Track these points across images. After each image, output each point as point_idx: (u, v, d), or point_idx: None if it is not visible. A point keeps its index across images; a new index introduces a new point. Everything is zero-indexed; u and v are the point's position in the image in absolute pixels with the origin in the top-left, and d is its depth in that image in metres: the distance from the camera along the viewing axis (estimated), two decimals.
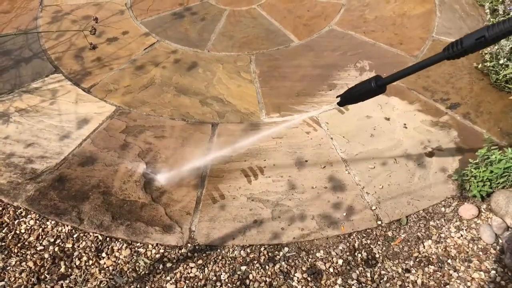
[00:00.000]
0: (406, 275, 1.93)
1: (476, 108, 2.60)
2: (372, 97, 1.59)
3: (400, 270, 1.94)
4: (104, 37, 3.21)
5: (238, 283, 1.89)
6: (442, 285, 1.89)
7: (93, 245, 2.01)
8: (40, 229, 2.07)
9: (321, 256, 1.99)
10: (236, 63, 3.00)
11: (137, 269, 1.93)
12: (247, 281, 1.90)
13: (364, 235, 2.07)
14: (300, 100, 2.70)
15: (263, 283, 1.89)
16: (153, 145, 2.42)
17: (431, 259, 1.97)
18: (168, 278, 1.90)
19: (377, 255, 2.00)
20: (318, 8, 3.53)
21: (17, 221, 2.11)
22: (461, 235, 2.05)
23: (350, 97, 1.66)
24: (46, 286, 1.87)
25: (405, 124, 2.52)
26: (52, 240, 2.03)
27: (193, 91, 2.78)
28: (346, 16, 3.41)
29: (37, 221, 2.10)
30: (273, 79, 2.86)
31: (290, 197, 2.19)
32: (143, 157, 2.36)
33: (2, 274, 1.91)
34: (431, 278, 1.91)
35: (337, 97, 1.71)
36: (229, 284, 1.88)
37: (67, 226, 2.08)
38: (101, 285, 1.88)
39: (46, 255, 1.97)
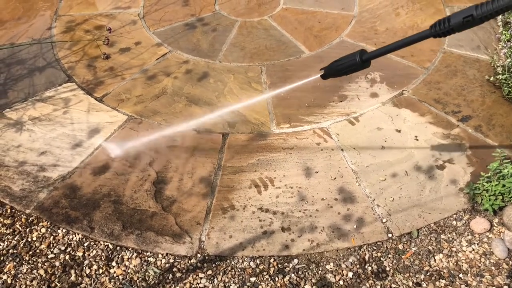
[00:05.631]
0: None
1: (488, 121, 2.58)
2: (355, 72, 1.55)
3: (410, 284, 1.92)
4: (116, 47, 3.25)
5: None
6: None
7: (103, 253, 2.02)
8: (51, 237, 2.09)
9: (331, 268, 1.98)
10: (247, 74, 3.02)
11: (147, 278, 1.94)
12: None
13: (375, 247, 2.06)
14: (311, 111, 2.70)
15: None
16: (164, 155, 2.43)
17: (442, 273, 1.96)
18: None
19: (387, 268, 1.98)
20: (329, 19, 3.54)
21: (28, 228, 2.12)
22: (473, 249, 2.03)
23: (334, 71, 1.61)
24: None
25: (416, 136, 2.52)
26: (63, 248, 2.05)
27: (204, 101, 2.79)
28: (357, 27, 3.42)
29: (49, 229, 2.12)
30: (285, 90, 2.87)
31: (300, 209, 2.18)
32: (154, 166, 2.37)
33: (13, 282, 1.92)
34: None
35: (320, 69, 1.66)
36: None
37: (78, 234, 2.09)
38: None
39: (57, 263, 1.99)
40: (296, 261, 2.00)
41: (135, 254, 2.02)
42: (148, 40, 3.34)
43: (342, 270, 1.97)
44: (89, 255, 2.02)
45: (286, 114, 2.69)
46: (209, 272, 1.96)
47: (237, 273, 1.96)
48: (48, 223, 2.14)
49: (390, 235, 2.09)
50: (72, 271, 1.96)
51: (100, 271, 1.97)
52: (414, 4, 3.61)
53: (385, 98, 2.77)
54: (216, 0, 3.77)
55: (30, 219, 2.16)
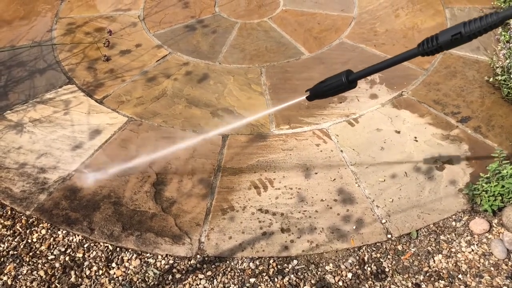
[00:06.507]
0: None
1: (487, 121, 2.59)
2: (342, 92, 1.52)
3: (410, 284, 1.92)
4: (117, 49, 3.26)
5: None
6: None
7: (103, 255, 2.03)
8: (52, 238, 2.10)
9: (330, 269, 1.98)
10: (247, 75, 3.02)
11: (147, 279, 1.94)
12: None
13: (374, 248, 2.06)
14: (310, 112, 2.71)
15: None
16: (163, 156, 2.44)
17: (441, 274, 1.96)
18: None
19: (386, 269, 1.98)
20: (328, 21, 3.55)
21: (29, 230, 2.13)
22: (472, 250, 2.04)
23: (320, 92, 1.58)
24: None
25: (415, 137, 2.52)
26: (63, 249, 2.05)
27: (204, 103, 2.80)
28: (357, 29, 3.43)
29: (49, 230, 2.12)
30: (283, 91, 2.88)
31: (299, 210, 2.19)
32: (153, 167, 2.38)
33: (13, 283, 1.93)
34: None
35: (306, 91, 1.62)
36: None
37: (78, 235, 2.10)
38: None
39: (57, 265, 1.99)
40: (295, 262, 2.01)
41: (135, 255, 2.03)
42: (148, 42, 3.35)
43: (342, 271, 1.97)
44: (89, 256, 2.03)
45: (285, 115, 2.70)
46: (209, 273, 1.96)
47: (236, 274, 1.96)
48: (48, 224, 2.15)
49: (389, 236, 2.09)
50: (72, 272, 1.97)
51: (100, 272, 1.97)
52: (414, 5, 3.62)
53: (385, 99, 2.77)
54: (216, 2, 3.78)
55: (31, 220, 2.17)
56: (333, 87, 1.52)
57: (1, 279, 1.94)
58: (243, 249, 2.04)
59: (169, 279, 1.95)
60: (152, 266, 1.99)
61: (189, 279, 1.94)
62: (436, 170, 2.35)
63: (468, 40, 1.20)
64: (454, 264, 1.99)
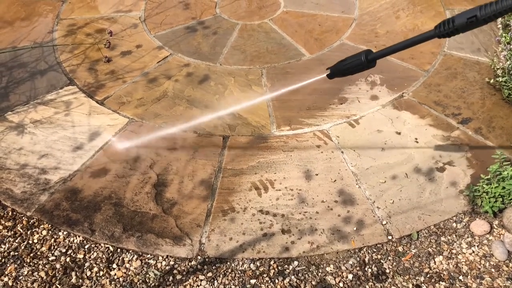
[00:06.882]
0: None
1: (488, 123, 2.59)
2: (361, 71, 1.56)
3: (410, 286, 1.92)
4: (118, 50, 3.27)
5: None
6: None
7: (104, 256, 2.03)
8: (52, 239, 2.10)
9: (331, 270, 1.98)
10: (248, 77, 3.03)
11: (147, 281, 1.94)
12: None
13: (375, 250, 2.06)
14: (311, 114, 2.71)
15: None
16: (164, 157, 2.44)
17: (442, 275, 1.96)
18: None
19: (387, 271, 1.98)
20: (329, 22, 3.55)
21: (29, 231, 2.13)
22: (473, 252, 2.03)
23: (340, 70, 1.62)
24: None
25: (416, 139, 2.52)
26: (64, 250, 2.05)
27: (204, 104, 2.80)
28: (358, 30, 3.43)
29: (50, 231, 2.12)
30: (284, 92, 2.88)
31: (300, 211, 2.19)
32: (154, 168, 2.38)
33: (14, 284, 1.93)
34: None
35: (327, 69, 1.66)
36: None
37: (79, 236, 2.10)
38: None
39: (58, 266, 1.99)
40: (296, 263, 2.01)
41: (135, 256, 2.03)
42: (149, 43, 3.35)
43: (342, 272, 1.97)
44: (89, 257, 2.03)
45: (286, 116, 2.70)
46: (209, 274, 1.96)
47: (237, 275, 1.96)
48: (49, 225, 2.15)
49: (390, 237, 2.09)
50: (73, 273, 1.97)
51: (101, 273, 1.97)
52: (415, 6, 3.63)
53: (385, 101, 2.77)
54: (217, 3, 3.79)
55: (31, 221, 2.17)
56: (352, 66, 1.56)
57: (2, 280, 1.94)
58: (243, 250, 2.04)
59: (170, 280, 1.95)
60: (153, 267, 1.99)
61: (189, 280, 1.94)
62: (437, 171, 2.35)
63: (484, 23, 1.23)
64: (455, 265, 1.99)
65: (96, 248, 2.06)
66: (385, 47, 1.47)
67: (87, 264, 2.00)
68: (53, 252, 2.05)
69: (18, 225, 2.16)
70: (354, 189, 2.28)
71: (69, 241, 2.09)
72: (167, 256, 2.03)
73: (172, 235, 2.09)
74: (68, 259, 2.02)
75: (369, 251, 2.05)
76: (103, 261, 2.01)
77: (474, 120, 2.61)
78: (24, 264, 2.00)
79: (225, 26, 3.55)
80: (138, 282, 1.94)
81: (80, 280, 1.94)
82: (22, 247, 2.07)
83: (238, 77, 3.02)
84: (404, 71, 3.00)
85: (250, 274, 1.97)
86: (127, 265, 2.00)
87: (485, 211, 2.14)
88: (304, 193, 2.27)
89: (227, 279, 1.95)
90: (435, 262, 2.00)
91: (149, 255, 2.03)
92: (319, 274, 1.97)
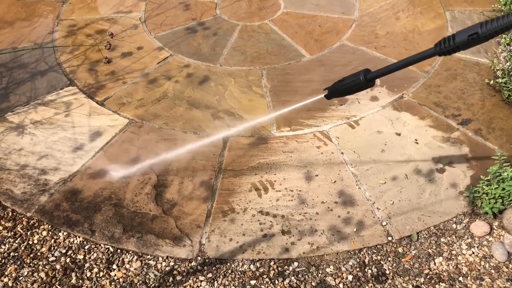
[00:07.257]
0: None
1: (488, 124, 2.59)
2: (360, 91, 1.55)
3: (410, 287, 1.92)
4: (118, 51, 3.27)
5: None
6: None
7: (104, 256, 2.03)
8: (52, 240, 2.10)
9: (331, 271, 1.98)
10: (248, 78, 3.03)
11: (147, 281, 1.94)
12: None
13: (375, 251, 2.06)
14: (311, 115, 2.71)
15: None
16: (164, 158, 2.44)
17: (442, 276, 1.96)
18: None
19: (387, 272, 1.98)
20: (329, 23, 3.56)
21: (29, 231, 2.13)
22: (473, 253, 2.04)
23: (338, 91, 1.62)
24: None
25: (416, 140, 2.52)
26: (64, 251, 2.05)
27: (205, 105, 2.81)
28: (358, 31, 3.44)
29: (50, 232, 2.13)
30: (284, 93, 2.88)
31: (300, 212, 2.19)
32: (154, 169, 2.38)
33: (14, 285, 1.93)
34: None
35: (324, 89, 1.66)
36: None
37: (79, 237, 2.10)
38: None
39: (58, 266, 1.99)
40: (296, 264, 2.01)
41: (135, 257, 2.03)
42: (149, 44, 3.35)
43: (342, 273, 1.97)
44: (89, 258, 2.03)
45: (286, 117, 2.70)
46: (209, 275, 1.96)
47: (237, 276, 1.96)
48: (49, 226, 2.15)
49: (390, 238, 2.09)
50: (73, 274, 1.97)
51: (101, 274, 1.97)
52: (415, 8, 3.63)
53: (385, 102, 2.78)
54: (217, 4, 3.80)
55: (31, 222, 2.17)
56: (351, 86, 1.55)
57: (2, 281, 1.94)
58: (243, 251, 2.04)
59: (170, 281, 1.95)
60: (153, 268, 1.99)
61: (189, 281, 1.94)
62: (437, 172, 2.35)
63: (485, 40, 1.21)
64: (455, 266, 1.99)
65: (96, 248, 2.06)
66: (384, 67, 1.47)
67: (87, 265, 2.00)
68: (53, 252, 2.05)
69: (18, 226, 2.16)
70: (354, 190, 2.28)
71: (69, 241, 2.09)
72: (167, 257, 2.03)
73: (172, 236, 2.09)
74: (68, 260, 2.02)
75: (369, 252, 2.05)
76: (103, 262, 2.01)
77: (474, 121, 2.61)
78: (24, 265, 2.00)
79: (225, 27, 3.55)
80: (138, 283, 1.94)
81: (80, 281, 1.94)
82: (22, 248, 2.07)
83: (238, 78, 3.03)
84: (404, 72, 2.97)
85: (250, 275, 1.97)
86: (127, 266, 2.00)
87: (485, 212, 2.14)
88: (304, 194, 2.27)
89: (227, 280, 1.95)
90: (435, 263, 2.01)
91: (149, 256, 2.03)
92: (319, 275, 1.97)
